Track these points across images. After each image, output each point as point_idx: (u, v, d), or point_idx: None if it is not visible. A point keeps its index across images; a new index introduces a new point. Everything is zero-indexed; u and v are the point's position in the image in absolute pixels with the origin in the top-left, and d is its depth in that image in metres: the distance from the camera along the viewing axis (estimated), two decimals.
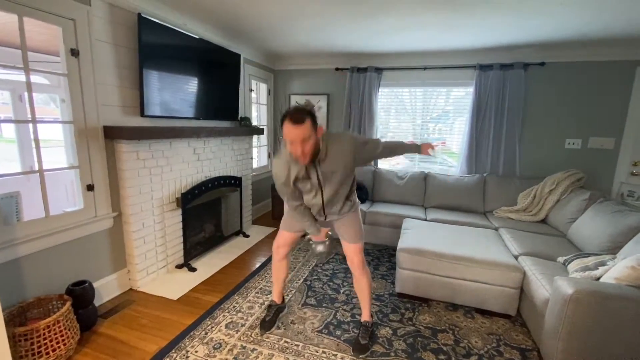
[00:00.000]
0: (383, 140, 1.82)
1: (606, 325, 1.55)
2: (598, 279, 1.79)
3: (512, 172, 3.64)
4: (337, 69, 4.15)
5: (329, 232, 1.93)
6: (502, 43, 3.19)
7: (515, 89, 3.47)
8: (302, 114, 1.42)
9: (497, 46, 3.30)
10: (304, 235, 2.00)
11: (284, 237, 2.00)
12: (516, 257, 2.38)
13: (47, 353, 1.64)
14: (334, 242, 1.96)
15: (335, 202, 1.78)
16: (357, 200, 1.90)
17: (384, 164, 4.30)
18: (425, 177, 3.73)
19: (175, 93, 2.64)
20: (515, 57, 3.45)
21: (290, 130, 1.42)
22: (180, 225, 2.78)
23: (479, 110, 3.63)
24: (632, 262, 1.65)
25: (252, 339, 1.94)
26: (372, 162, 4.14)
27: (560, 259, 2.22)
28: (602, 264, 1.89)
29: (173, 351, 1.82)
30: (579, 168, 3.38)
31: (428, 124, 4.07)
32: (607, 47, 3.14)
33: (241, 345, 1.88)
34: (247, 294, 2.44)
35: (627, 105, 3.26)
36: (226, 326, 2.05)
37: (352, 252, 1.87)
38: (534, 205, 3.24)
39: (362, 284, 1.92)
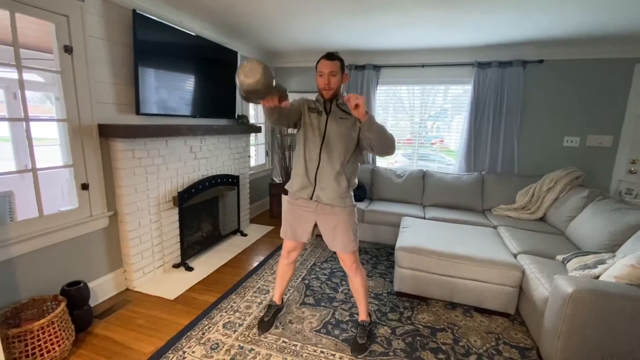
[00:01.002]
0: None
1: (606, 324, 1.54)
2: (597, 277, 1.78)
3: (511, 170, 3.63)
4: None
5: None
6: (501, 40, 3.17)
7: (514, 86, 3.46)
8: (335, 55, 1.67)
9: (496, 44, 3.28)
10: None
11: (292, 245, 1.95)
12: (515, 256, 2.37)
13: (42, 355, 1.62)
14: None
15: (331, 161, 1.68)
16: (353, 201, 1.83)
17: (382, 162, 4.28)
18: (423, 175, 3.72)
19: (172, 91, 2.61)
20: (513, 55, 3.44)
21: (322, 63, 1.66)
22: (177, 224, 2.76)
23: (478, 108, 3.62)
24: (632, 260, 1.65)
25: (249, 339, 1.93)
26: (370, 159, 4.12)
27: (559, 257, 2.22)
28: (602, 262, 1.88)
29: (170, 352, 1.80)
30: (577, 166, 3.37)
31: (426, 121, 4.05)
32: (606, 44, 3.13)
33: (239, 345, 1.87)
34: (244, 294, 2.42)
35: (625, 103, 3.25)
36: (223, 326, 2.03)
37: (344, 253, 1.82)
38: (532, 204, 3.23)
39: (356, 284, 1.90)
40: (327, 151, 1.71)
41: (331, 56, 1.66)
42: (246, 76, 1.29)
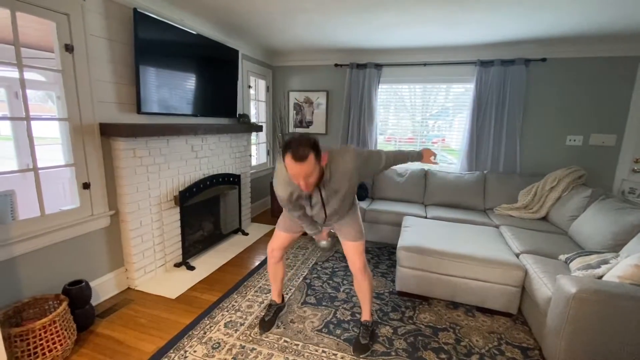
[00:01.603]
0: (385, 150, 1.77)
1: (609, 324, 1.53)
2: (601, 277, 1.77)
3: (513, 169, 3.61)
4: (336, 65, 4.11)
5: (332, 230, 1.91)
6: (504, 39, 3.15)
7: (516, 85, 3.44)
8: (305, 149, 1.31)
9: (498, 42, 3.26)
10: (305, 233, 1.99)
11: (281, 239, 1.97)
12: (517, 255, 2.36)
13: (44, 354, 1.62)
14: (336, 238, 1.94)
15: (337, 213, 1.77)
16: (356, 200, 1.88)
17: None
18: (425, 175, 3.71)
19: (173, 90, 2.60)
20: (516, 53, 3.42)
21: (292, 167, 1.34)
22: (179, 223, 2.76)
23: (480, 106, 3.60)
24: (636, 260, 1.63)
25: (251, 338, 1.92)
26: None
27: (562, 257, 2.20)
28: (605, 262, 1.87)
29: (171, 351, 1.80)
30: (580, 165, 3.36)
31: (427, 120, 4.04)
32: (610, 42, 3.10)
33: (240, 344, 1.87)
34: (246, 293, 2.42)
35: (629, 102, 3.23)
36: (225, 325, 2.03)
37: (353, 252, 1.83)
38: (534, 203, 3.21)
39: (363, 286, 1.89)
40: (332, 210, 1.72)
41: (300, 156, 1.31)
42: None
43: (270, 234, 3.64)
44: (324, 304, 2.30)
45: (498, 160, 3.65)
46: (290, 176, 1.42)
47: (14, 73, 3.13)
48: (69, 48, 1.93)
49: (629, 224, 2.13)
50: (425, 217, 3.23)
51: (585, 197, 2.76)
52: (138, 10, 2.21)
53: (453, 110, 3.93)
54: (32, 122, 1.83)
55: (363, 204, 3.46)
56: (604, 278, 1.73)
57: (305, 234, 2.00)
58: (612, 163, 3.37)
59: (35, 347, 1.60)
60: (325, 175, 1.52)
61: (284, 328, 2.02)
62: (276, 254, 2.00)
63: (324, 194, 1.61)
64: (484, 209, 3.48)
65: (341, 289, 2.50)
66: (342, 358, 1.78)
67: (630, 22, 2.55)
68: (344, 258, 3.02)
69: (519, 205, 3.27)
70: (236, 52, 3.32)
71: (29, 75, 1.79)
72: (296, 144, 1.32)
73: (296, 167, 1.33)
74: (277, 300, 2.10)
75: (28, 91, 1.80)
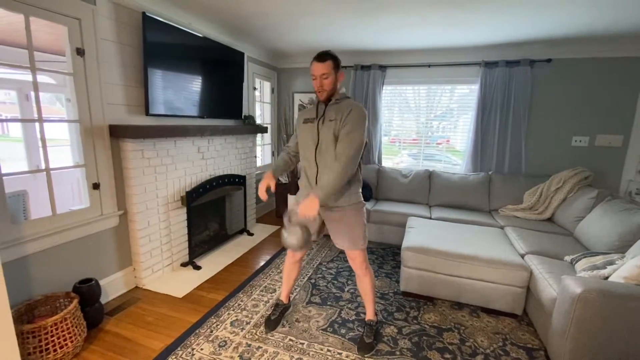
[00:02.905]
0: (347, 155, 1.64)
1: (615, 325, 1.53)
2: (606, 278, 1.77)
3: (518, 170, 3.60)
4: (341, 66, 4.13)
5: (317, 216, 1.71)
6: (508, 40, 3.15)
7: (521, 86, 3.43)
8: (326, 55, 1.65)
9: (503, 43, 3.26)
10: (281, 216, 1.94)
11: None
12: (522, 256, 2.36)
13: (55, 350, 1.66)
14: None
15: (327, 165, 1.69)
16: (361, 198, 1.82)
17: (388, 162, 4.28)
18: (429, 175, 3.71)
19: (180, 92, 2.64)
20: (521, 54, 3.41)
21: (314, 65, 1.66)
22: (185, 223, 2.80)
23: (484, 107, 3.60)
24: None
25: (257, 337, 1.95)
26: (376, 158, 4.11)
27: (568, 258, 2.20)
28: (611, 263, 1.86)
29: (179, 349, 1.82)
30: (586, 166, 3.34)
31: (432, 121, 4.04)
32: (616, 43, 3.09)
33: (246, 343, 1.89)
34: (251, 292, 2.44)
35: (635, 102, 3.21)
36: (231, 324, 2.06)
37: (351, 252, 1.84)
38: (540, 204, 3.20)
39: (364, 283, 1.91)
40: (322, 156, 1.72)
41: (322, 57, 1.65)
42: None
43: (275, 235, 3.67)
44: (328, 303, 2.32)
45: (503, 161, 3.64)
46: (312, 79, 1.70)
47: (24, 76, 3.20)
48: (80, 52, 1.98)
49: (635, 225, 2.12)
50: (430, 218, 3.23)
51: (591, 198, 2.75)
52: (147, 14, 2.26)
53: (458, 111, 3.93)
54: (43, 124, 1.87)
55: (367, 205, 3.47)
56: (610, 279, 1.73)
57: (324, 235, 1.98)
58: (619, 164, 3.35)
59: (47, 344, 1.64)
60: (335, 97, 1.72)
61: (289, 327, 2.04)
62: (298, 255, 2.01)
63: (320, 121, 1.71)
64: (488, 210, 3.48)
65: (346, 289, 2.51)
66: (347, 357, 1.80)
67: (636, 22, 2.54)
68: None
69: (524, 206, 3.27)
70: (242, 54, 3.36)
71: (39, 78, 1.83)
72: (322, 52, 1.67)
73: (319, 66, 1.64)
74: (285, 300, 2.12)
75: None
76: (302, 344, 1.89)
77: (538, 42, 3.18)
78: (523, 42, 3.20)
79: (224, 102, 3.22)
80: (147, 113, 2.37)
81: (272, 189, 1.83)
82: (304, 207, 1.56)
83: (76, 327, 1.76)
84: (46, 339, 1.64)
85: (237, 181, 3.40)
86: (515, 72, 3.43)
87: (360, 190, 1.83)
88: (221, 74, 3.11)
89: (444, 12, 2.46)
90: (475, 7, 2.36)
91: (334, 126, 1.67)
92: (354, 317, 2.16)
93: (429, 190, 3.68)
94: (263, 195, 1.81)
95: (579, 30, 2.79)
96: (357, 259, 1.85)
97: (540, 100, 3.50)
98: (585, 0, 2.18)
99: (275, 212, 4.42)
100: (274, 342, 1.90)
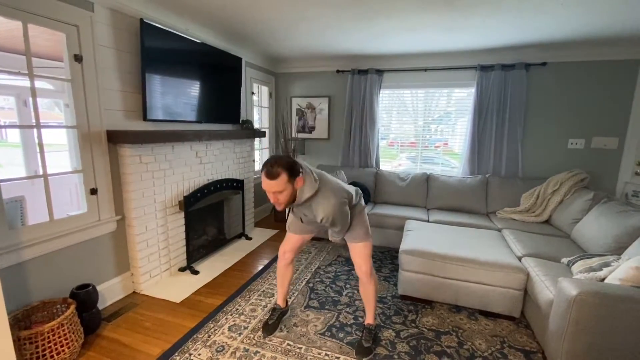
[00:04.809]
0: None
1: (611, 327, 1.54)
2: (602, 280, 1.78)
3: (515, 172, 3.62)
4: (338, 71, 4.16)
5: None
6: (504, 44, 3.19)
7: (517, 89, 3.46)
8: (278, 168, 1.45)
9: (499, 47, 3.30)
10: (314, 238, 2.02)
11: (292, 240, 2.00)
12: (520, 259, 2.37)
13: (52, 356, 1.65)
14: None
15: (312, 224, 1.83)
16: (362, 202, 1.89)
17: (386, 165, 4.30)
18: (427, 179, 3.73)
19: (177, 97, 2.66)
20: (516, 58, 3.45)
21: (264, 182, 1.49)
22: (183, 228, 2.80)
23: (481, 111, 3.63)
24: (637, 262, 1.64)
25: (255, 341, 1.94)
26: (375, 165, 4.13)
27: (564, 260, 2.21)
28: (607, 264, 1.87)
29: (176, 354, 1.82)
30: (582, 168, 3.36)
31: (430, 125, 4.07)
32: (610, 46, 3.13)
33: (244, 348, 1.88)
34: (249, 297, 2.44)
35: (630, 105, 3.24)
36: (229, 329, 2.05)
37: (359, 255, 1.86)
38: (537, 206, 3.22)
39: (369, 290, 1.91)
40: (307, 221, 1.82)
41: (272, 174, 1.44)
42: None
43: (273, 239, 3.67)
44: (326, 307, 2.31)
45: (500, 164, 3.66)
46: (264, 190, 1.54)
47: (23, 82, 3.21)
48: (78, 58, 1.99)
49: (631, 227, 2.13)
50: (428, 221, 3.24)
51: (588, 200, 2.76)
52: (144, 20, 2.27)
53: (455, 114, 3.95)
54: (41, 130, 1.88)
55: (365, 208, 3.48)
56: (606, 281, 1.74)
57: (315, 238, 2.02)
58: (615, 166, 3.37)
59: (44, 350, 1.63)
60: (298, 199, 1.58)
61: (287, 331, 2.03)
62: (288, 256, 2.03)
63: (295, 210, 1.73)
64: (486, 213, 3.49)
65: (344, 293, 2.51)
66: None
67: (629, 25, 2.58)
68: (346, 262, 3.03)
69: (521, 208, 3.28)
70: (239, 59, 3.39)
71: (38, 84, 1.84)
72: (272, 162, 1.47)
73: (269, 184, 1.47)
74: (282, 304, 2.12)
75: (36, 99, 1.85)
76: (300, 348, 1.89)
77: (533, 45, 3.22)
78: (518, 46, 3.24)
79: (221, 107, 3.24)
80: (145, 118, 2.38)
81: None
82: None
83: (73, 333, 1.76)
84: (43, 345, 1.63)
85: (235, 185, 3.41)
86: (511, 75, 3.46)
87: (361, 196, 1.90)
88: (219, 79, 3.12)
89: (439, 16, 2.49)
90: (470, 12, 2.39)
91: (312, 217, 1.69)
92: (352, 321, 2.16)
93: (426, 193, 3.69)
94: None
95: (574, 34, 2.82)
96: (364, 267, 1.86)
97: (536, 104, 3.53)
98: (578, 5, 2.21)
99: (274, 216, 4.42)
100: (271, 346, 1.90)
